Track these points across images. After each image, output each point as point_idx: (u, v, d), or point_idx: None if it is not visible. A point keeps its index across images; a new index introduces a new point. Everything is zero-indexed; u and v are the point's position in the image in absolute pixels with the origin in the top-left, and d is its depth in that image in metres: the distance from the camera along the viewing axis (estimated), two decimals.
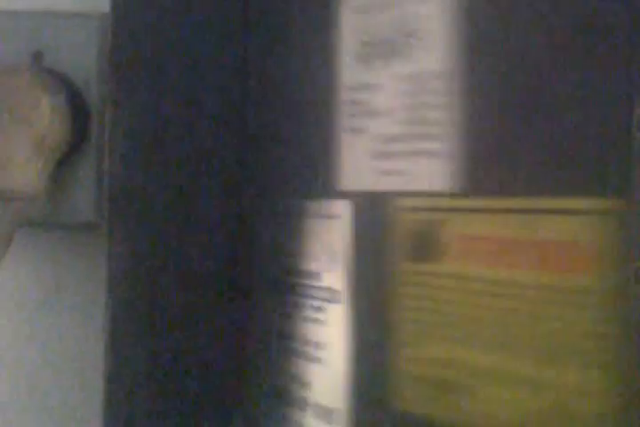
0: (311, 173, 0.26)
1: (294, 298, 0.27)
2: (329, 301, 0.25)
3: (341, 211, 0.25)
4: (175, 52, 0.28)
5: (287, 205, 0.27)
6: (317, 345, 0.26)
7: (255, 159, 0.29)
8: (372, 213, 0.23)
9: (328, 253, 0.25)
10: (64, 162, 0.29)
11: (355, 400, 0.24)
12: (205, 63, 0.28)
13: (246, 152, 0.29)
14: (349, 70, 0.24)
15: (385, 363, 0.23)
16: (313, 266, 0.26)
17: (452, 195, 0.21)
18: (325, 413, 0.25)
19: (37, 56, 0.30)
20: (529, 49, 0.19)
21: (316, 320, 0.26)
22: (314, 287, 0.26)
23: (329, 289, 0.25)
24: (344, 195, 0.24)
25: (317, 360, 0.26)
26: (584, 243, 0.18)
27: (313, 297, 0.26)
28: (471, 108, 0.20)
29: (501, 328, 0.19)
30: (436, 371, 0.21)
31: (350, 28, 0.24)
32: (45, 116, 0.29)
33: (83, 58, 0.29)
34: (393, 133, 0.23)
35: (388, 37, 0.23)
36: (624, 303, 0.17)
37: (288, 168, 0.27)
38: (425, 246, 0.21)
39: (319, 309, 0.25)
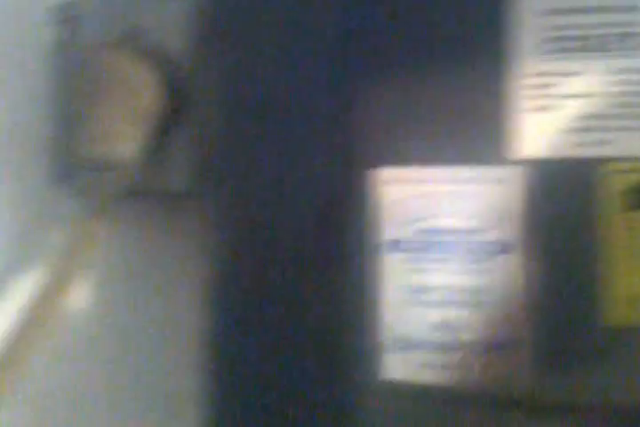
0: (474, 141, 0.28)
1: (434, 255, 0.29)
2: (496, 252, 0.28)
3: (515, 176, 0.28)
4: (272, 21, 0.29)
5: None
6: (479, 292, 0.28)
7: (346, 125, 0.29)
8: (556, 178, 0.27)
9: (496, 212, 0.28)
10: (161, 134, 0.31)
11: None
12: (304, 32, 0.29)
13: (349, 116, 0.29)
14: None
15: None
16: (469, 224, 0.28)
17: None
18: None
19: (135, 34, 0.31)
20: None
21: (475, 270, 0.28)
22: (471, 242, 0.28)
23: (496, 242, 0.28)
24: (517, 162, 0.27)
25: (477, 305, 0.28)
26: None
27: (471, 251, 0.28)
28: None
29: None
30: None
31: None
32: (145, 90, 0.30)
33: (177, 36, 0.31)
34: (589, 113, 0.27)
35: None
36: None
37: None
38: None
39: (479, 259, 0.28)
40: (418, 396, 0.29)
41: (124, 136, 0.30)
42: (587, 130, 0.28)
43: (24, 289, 0.37)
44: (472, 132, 0.28)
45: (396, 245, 0.29)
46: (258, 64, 0.29)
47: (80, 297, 0.38)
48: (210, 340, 0.31)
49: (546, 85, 0.28)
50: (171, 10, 0.31)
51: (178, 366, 0.38)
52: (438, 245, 0.29)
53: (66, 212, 0.35)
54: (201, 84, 0.31)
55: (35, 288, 0.31)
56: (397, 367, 0.29)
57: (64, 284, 0.30)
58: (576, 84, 0.28)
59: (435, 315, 0.29)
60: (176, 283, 0.37)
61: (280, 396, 0.30)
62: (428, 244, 0.29)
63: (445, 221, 0.29)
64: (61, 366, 0.39)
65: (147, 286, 0.38)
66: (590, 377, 0.27)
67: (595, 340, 0.27)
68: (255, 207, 0.30)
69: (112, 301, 0.39)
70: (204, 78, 0.30)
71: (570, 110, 0.28)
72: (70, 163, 0.33)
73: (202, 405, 0.31)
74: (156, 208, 0.37)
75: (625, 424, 0.27)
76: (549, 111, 0.28)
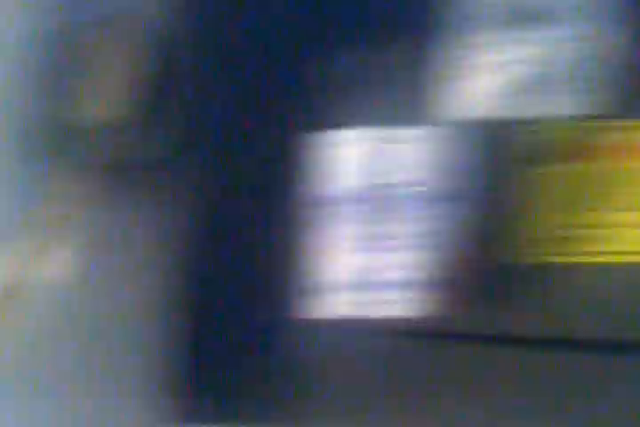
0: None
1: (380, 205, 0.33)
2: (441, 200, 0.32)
3: (448, 134, 0.32)
4: None
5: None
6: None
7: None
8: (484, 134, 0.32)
9: (430, 167, 0.32)
10: (144, 104, 0.35)
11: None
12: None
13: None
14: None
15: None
16: (407, 177, 0.32)
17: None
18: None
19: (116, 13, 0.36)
20: None
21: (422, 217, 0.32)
22: (413, 193, 0.32)
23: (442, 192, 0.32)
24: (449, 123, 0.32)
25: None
26: None
27: (413, 200, 0.32)
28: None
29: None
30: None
31: None
32: (128, 64, 0.34)
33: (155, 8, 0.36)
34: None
35: None
36: None
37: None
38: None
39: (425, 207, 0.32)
40: (347, 331, 0.33)
41: (111, 106, 0.34)
42: (505, 95, 0.33)
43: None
44: (413, 95, 0.33)
45: (343, 197, 0.34)
46: (226, 36, 0.34)
47: (59, 267, 0.41)
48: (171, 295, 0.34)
49: (471, 55, 0.33)
50: None
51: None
52: (385, 196, 0.33)
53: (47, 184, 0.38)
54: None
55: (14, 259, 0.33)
56: (344, 306, 0.33)
57: (42, 254, 0.33)
58: (494, 55, 0.32)
59: (382, 259, 0.33)
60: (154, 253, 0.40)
61: (219, 339, 0.34)
62: (375, 196, 0.33)
63: (391, 176, 0.33)
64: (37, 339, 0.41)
65: (127, 256, 0.41)
66: (505, 310, 0.32)
67: (504, 276, 0.32)
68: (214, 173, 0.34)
69: (90, 271, 0.41)
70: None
71: (489, 78, 0.33)
72: (57, 134, 0.36)
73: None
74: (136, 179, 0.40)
75: (536, 351, 0.32)
76: (472, 78, 0.33)
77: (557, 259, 0.32)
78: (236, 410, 0.34)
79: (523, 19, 0.32)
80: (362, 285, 0.33)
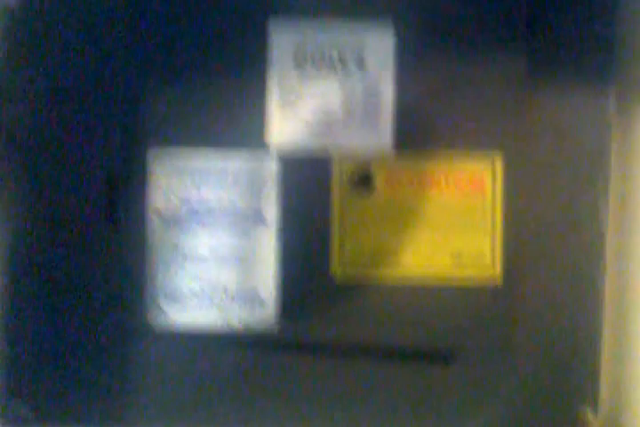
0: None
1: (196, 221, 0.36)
2: (251, 222, 0.36)
3: (267, 159, 0.36)
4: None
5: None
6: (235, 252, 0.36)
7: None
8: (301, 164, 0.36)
9: (252, 189, 0.36)
10: None
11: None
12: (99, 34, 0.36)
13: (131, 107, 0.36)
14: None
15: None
16: (226, 197, 0.36)
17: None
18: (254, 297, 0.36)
19: None
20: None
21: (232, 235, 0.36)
22: (230, 213, 0.36)
23: (251, 214, 0.36)
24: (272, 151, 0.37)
25: (234, 264, 0.36)
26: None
27: (232, 221, 0.36)
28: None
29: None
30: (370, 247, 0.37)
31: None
32: None
33: None
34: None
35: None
36: None
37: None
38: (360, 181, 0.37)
39: (241, 231, 0.36)
40: (183, 339, 0.37)
41: None
42: (322, 124, 0.37)
43: None
44: (235, 121, 0.37)
45: (164, 213, 0.37)
46: (57, 61, 0.36)
47: None
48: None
49: (293, 87, 0.37)
50: None
51: None
52: (201, 214, 0.37)
53: None
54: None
55: None
56: (164, 314, 0.37)
57: None
58: (315, 89, 0.37)
59: (197, 271, 0.37)
60: None
61: (65, 345, 0.36)
62: (192, 212, 0.37)
63: (208, 194, 0.37)
64: None
65: None
66: (325, 322, 0.36)
67: (326, 291, 0.37)
68: (47, 183, 0.36)
69: None
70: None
71: (310, 108, 0.37)
72: None
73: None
74: None
75: (358, 363, 0.37)
76: (295, 107, 0.37)
77: (367, 275, 0.36)
78: (56, 411, 0.37)
79: (323, 64, 0.37)
80: (179, 294, 0.36)
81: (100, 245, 0.36)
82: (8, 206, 0.36)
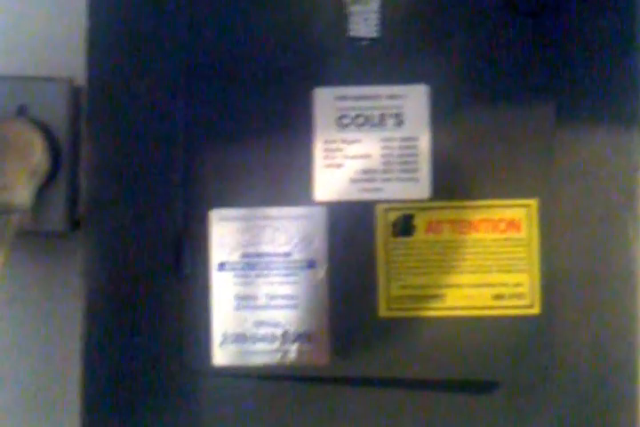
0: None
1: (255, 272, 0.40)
2: (303, 268, 0.40)
3: (315, 213, 0.40)
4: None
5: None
6: (292, 297, 0.40)
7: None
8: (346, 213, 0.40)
9: (303, 239, 0.40)
10: (44, 184, 0.41)
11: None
12: (156, 116, 0.41)
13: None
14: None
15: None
16: (280, 249, 0.40)
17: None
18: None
19: (22, 109, 0.41)
20: None
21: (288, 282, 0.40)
22: (284, 261, 0.40)
23: (303, 260, 0.40)
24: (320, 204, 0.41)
25: (290, 307, 0.40)
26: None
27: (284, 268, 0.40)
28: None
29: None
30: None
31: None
32: (37, 153, 0.40)
33: (54, 110, 0.41)
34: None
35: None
36: None
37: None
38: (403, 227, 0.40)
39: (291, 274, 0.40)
40: (245, 378, 0.40)
41: (19, 187, 0.39)
42: (364, 180, 0.40)
43: None
44: (286, 182, 0.41)
45: (226, 265, 0.40)
46: (120, 134, 0.41)
47: None
48: (85, 344, 0.40)
49: (337, 149, 0.41)
50: (52, 90, 0.41)
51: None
52: (259, 264, 0.40)
53: None
54: (75, 149, 0.41)
55: None
56: (228, 356, 0.40)
57: None
58: (357, 149, 0.41)
59: (257, 315, 0.40)
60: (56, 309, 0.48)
61: (139, 386, 0.40)
62: (251, 264, 0.40)
63: (265, 247, 0.39)
64: None
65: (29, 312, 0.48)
66: (374, 357, 0.38)
67: (374, 329, 0.39)
68: (121, 241, 0.40)
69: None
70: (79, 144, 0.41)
71: (353, 167, 0.41)
72: None
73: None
74: (36, 246, 0.47)
75: (405, 394, 0.39)
76: (340, 167, 0.41)
77: (412, 313, 0.38)
78: None
79: (363, 123, 0.41)
80: (241, 337, 0.39)
81: (169, 296, 0.40)
82: (94, 263, 0.40)
